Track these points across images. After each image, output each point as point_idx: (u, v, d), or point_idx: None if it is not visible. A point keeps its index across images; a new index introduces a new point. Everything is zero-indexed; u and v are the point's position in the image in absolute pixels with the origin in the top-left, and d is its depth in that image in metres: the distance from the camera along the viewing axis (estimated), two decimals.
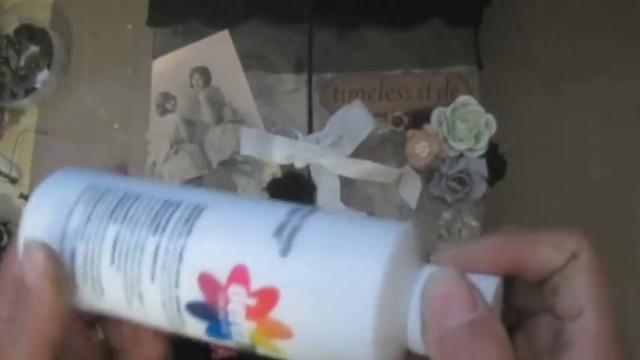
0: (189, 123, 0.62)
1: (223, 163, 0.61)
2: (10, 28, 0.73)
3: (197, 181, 0.61)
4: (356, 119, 0.58)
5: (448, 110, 0.59)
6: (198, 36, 0.63)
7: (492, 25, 0.64)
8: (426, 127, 0.60)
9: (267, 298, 0.21)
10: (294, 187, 0.59)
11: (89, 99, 0.72)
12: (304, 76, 0.62)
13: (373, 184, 0.60)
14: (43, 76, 0.71)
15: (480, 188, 0.59)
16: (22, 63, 0.72)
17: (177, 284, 0.22)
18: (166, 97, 0.62)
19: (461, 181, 0.59)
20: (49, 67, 0.71)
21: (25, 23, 0.72)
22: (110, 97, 0.71)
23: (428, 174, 0.60)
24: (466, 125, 0.59)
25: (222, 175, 0.61)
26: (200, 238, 0.22)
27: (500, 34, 0.68)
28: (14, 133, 0.71)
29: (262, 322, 0.21)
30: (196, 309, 0.22)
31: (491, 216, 0.61)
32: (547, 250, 0.22)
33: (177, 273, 0.22)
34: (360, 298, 0.20)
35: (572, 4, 0.71)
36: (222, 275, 0.21)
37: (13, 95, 0.71)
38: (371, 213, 0.59)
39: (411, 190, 0.60)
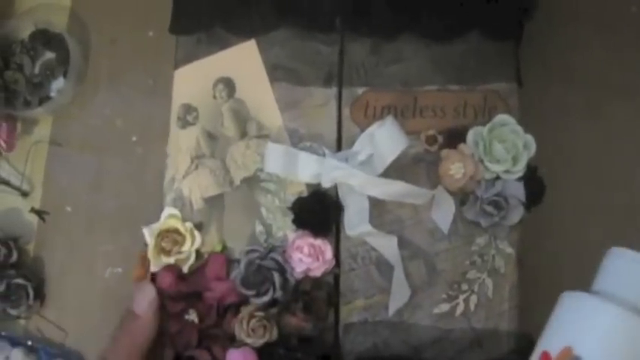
0: (211, 137, 0.59)
1: (246, 181, 0.58)
2: (25, 33, 0.70)
3: (218, 199, 0.58)
4: (388, 137, 0.55)
5: (485, 130, 0.57)
6: (223, 45, 0.60)
7: (533, 40, 0.61)
8: (462, 146, 0.57)
9: None
10: (320, 208, 0.57)
11: (106, 109, 0.69)
12: (334, 90, 0.59)
13: (404, 206, 0.57)
14: (58, 84, 0.69)
15: (517, 213, 0.57)
16: (36, 70, 0.69)
17: None
18: (188, 108, 0.60)
19: (497, 204, 0.56)
20: (65, 74, 0.68)
21: (41, 28, 0.70)
22: (128, 107, 0.69)
23: (462, 196, 0.58)
24: (504, 146, 0.56)
25: (244, 192, 0.58)
26: None
27: (541, 50, 0.65)
28: (27, 143, 0.68)
29: None
30: None
31: (527, 243, 0.58)
32: None
33: None
34: None
35: (617, 20, 0.69)
36: None
37: (27, 104, 0.68)
38: (401, 236, 0.57)
39: (444, 214, 0.57)
